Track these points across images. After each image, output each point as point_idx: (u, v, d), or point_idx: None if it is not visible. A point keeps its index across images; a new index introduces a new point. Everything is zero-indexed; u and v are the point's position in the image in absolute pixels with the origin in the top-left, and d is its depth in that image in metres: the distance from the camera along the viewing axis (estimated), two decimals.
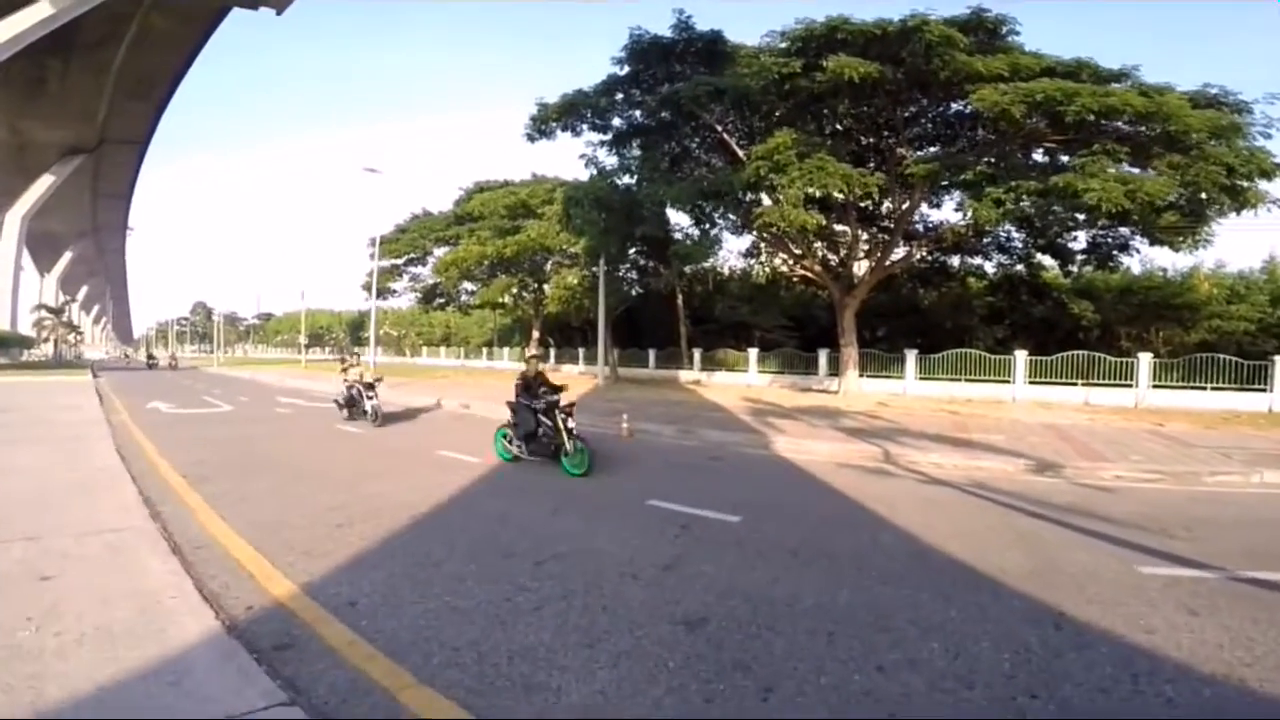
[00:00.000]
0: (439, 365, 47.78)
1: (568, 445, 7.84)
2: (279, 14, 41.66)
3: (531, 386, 8.59)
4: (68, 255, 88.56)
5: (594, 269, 25.55)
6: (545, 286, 33.89)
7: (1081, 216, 18.00)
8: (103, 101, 52.05)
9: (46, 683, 2.79)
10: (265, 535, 5.21)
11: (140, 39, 44.50)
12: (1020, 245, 23.35)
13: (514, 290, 34.31)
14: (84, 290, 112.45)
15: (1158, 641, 3.36)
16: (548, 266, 32.83)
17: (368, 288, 30.35)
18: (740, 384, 24.81)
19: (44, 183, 61.03)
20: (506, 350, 45.25)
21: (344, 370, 14.04)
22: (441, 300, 39.58)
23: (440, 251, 35.54)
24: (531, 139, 21.32)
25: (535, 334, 35.86)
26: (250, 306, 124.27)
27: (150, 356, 56.55)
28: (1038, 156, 17.63)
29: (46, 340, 76.27)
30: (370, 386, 13.05)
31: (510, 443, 8.65)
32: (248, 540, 5.07)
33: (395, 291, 41.28)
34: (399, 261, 38.94)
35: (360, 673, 3.03)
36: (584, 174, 23.40)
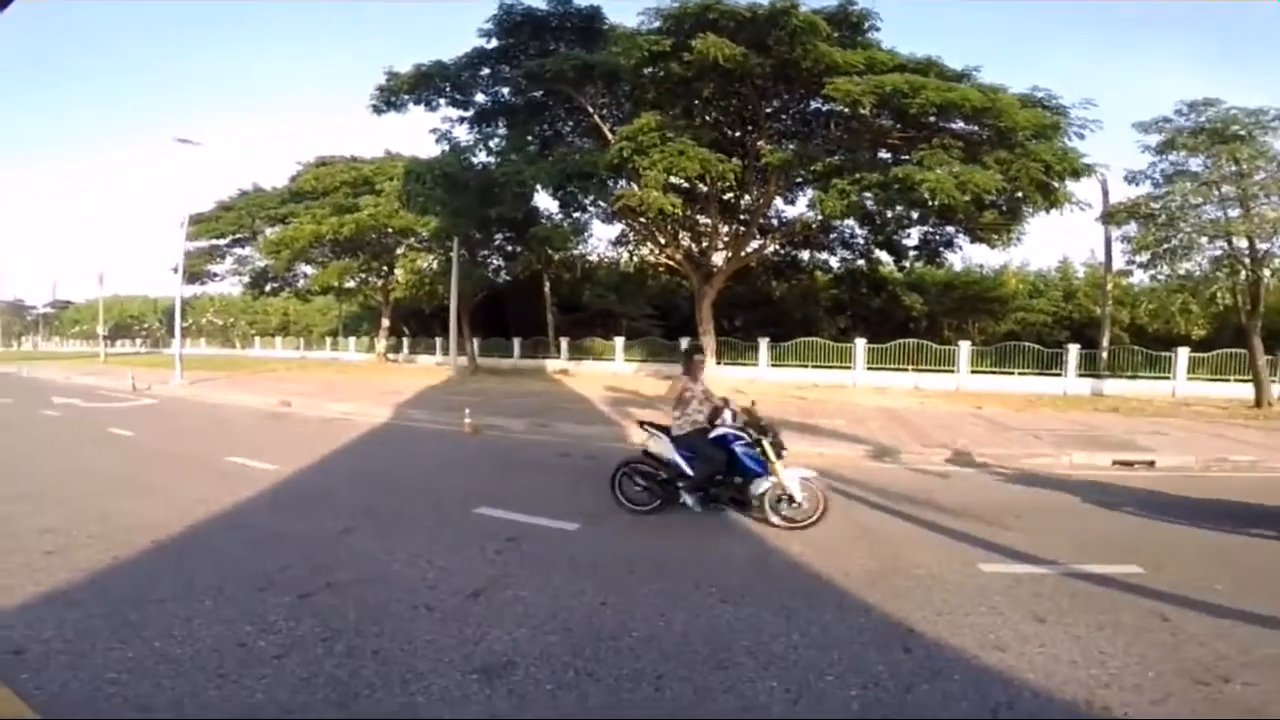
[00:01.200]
0: (272, 357, 42.83)
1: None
2: None
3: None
4: None
5: (448, 253, 23.82)
6: (395, 271, 31.24)
7: (915, 214, 19.32)
8: None
9: None
10: None
11: None
12: (862, 241, 24.90)
13: (359, 274, 31.30)
14: None
15: (1011, 662, 3.06)
16: (398, 250, 30.25)
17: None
18: (608, 373, 24.33)
19: None
20: (353, 341, 41.51)
21: None
22: (275, 285, 35.31)
23: (272, 231, 31.59)
24: (379, 110, 19.32)
25: (385, 322, 33.06)
26: (43, 294, 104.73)
27: None
28: (884, 155, 18.65)
29: None
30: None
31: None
32: None
33: (217, 275, 36.26)
34: (221, 241, 34.18)
35: None
36: (438, 151, 21.54)
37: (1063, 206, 16.43)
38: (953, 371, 20.03)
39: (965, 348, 20.27)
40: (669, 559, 4.37)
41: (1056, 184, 15.84)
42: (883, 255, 25.27)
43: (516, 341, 28.77)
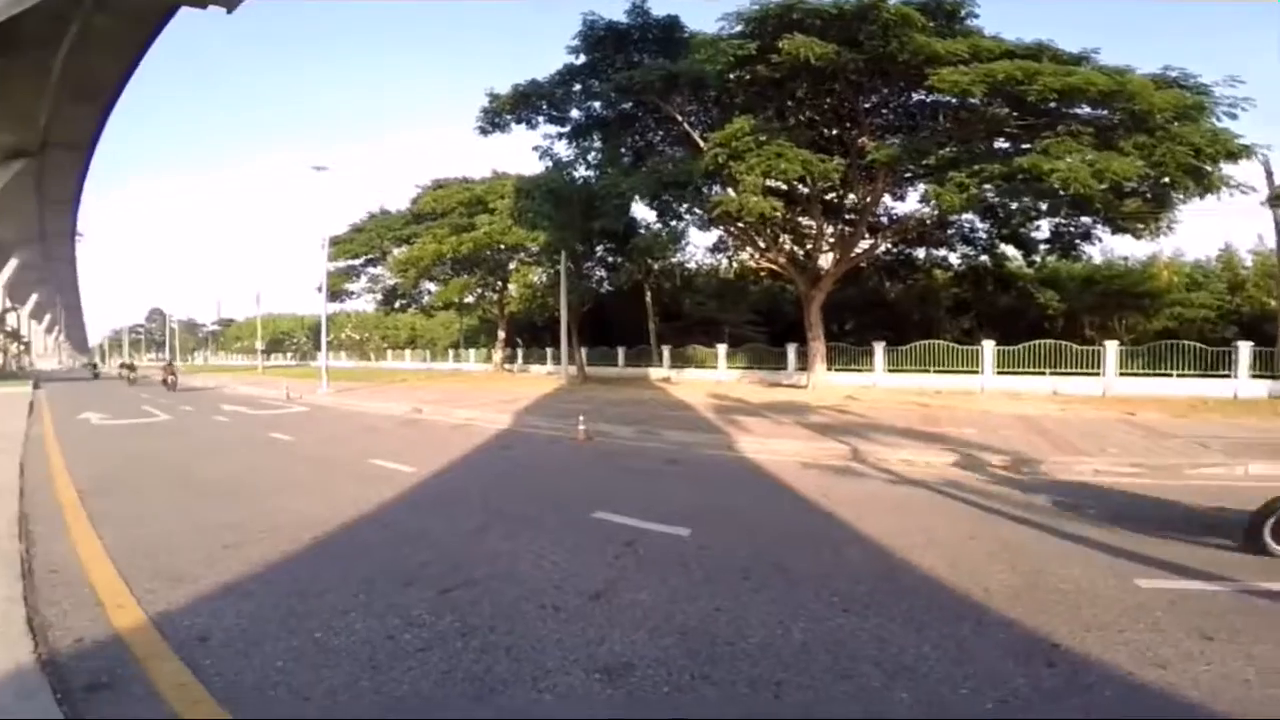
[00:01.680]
0: (402, 369, 46.42)
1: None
2: (229, 12, 39.93)
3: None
4: (13, 262, 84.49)
5: (556, 266, 24.79)
6: (509, 285, 32.93)
7: (1044, 205, 17.85)
8: (44, 104, 49.51)
9: None
10: (138, 558, 4.54)
11: (83, 40, 42.25)
12: (984, 236, 23.30)
13: (476, 290, 33.28)
14: (33, 299, 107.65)
15: (1171, 679, 2.78)
16: (511, 265, 31.90)
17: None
18: (710, 380, 24.29)
19: None
20: (473, 352, 44.12)
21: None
22: (403, 302, 38.36)
23: (398, 251, 34.35)
24: (484, 132, 20.49)
25: (501, 334, 34.92)
26: (209, 313, 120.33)
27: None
28: (1000, 144, 17.41)
29: None
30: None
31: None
32: (115, 563, 4.42)
33: (353, 293, 39.91)
34: (356, 262, 37.59)
35: None
36: (542, 168, 22.53)
37: (1218, 191, 14.62)
38: (1098, 374, 18.21)
39: (1112, 348, 18.36)
40: (786, 567, 4.31)
41: (1209, 168, 14.12)
42: (1009, 250, 23.51)
43: (620, 350, 29.38)
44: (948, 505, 6.16)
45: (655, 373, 27.04)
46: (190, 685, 2.77)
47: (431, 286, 34.82)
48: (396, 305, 39.29)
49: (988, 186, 15.37)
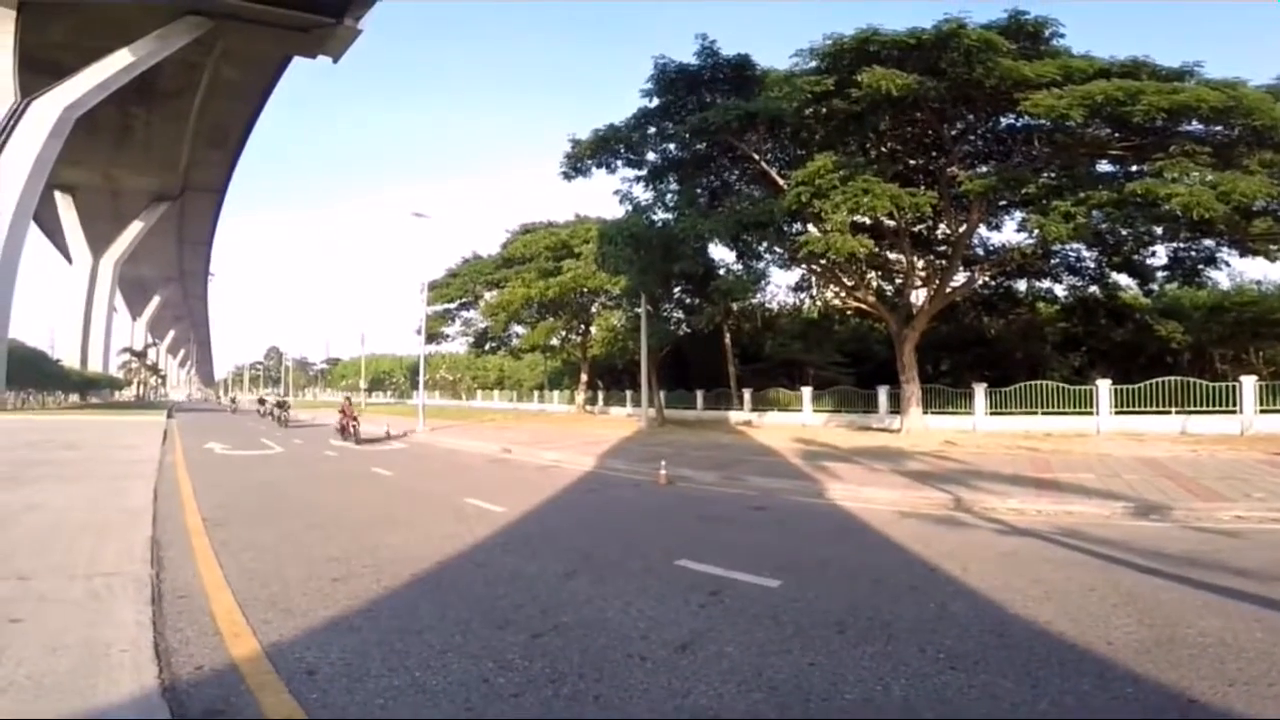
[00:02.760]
0: (491, 408, 48.14)
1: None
2: (335, 61, 44.88)
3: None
4: (156, 300, 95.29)
5: (636, 309, 25.18)
6: (591, 329, 33.72)
7: (1160, 230, 16.55)
8: (183, 149, 56.61)
9: None
10: (255, 587, 4.86)
11: (213, 88, 48.60)
12: (1093, 265, 21.74)
13: (561, 332, 34.28)
14: (171, 334, 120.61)
15: None
16: (593, 308, 32.72)
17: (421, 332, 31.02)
18: (794, 424, 23.68)
19: (134, 229, 65.92)
20: (556, 394, 45.23)
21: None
22: (493, 344, 40.04)
23: (489, 295, 36.05)
24: (568, 177, 21.27)
25: (583, 377, 35.64)
26: (319, 351, 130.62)
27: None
28: (1104, 167, 16.39)
29: (130, 382, 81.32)
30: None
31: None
32: (234, 592, 4.73)
33: (448, 336, 42.06)
34: (451, 306, 39.72)
35: None
36: (622, 212, 23.07)
37: None
38: (1234, 412, 16.42)
39: (1249, 382, 16.53)
40: (886, 621, 4.07)
41: None
42: (1122, 279, 21.81)
43: (699, 393, 29.24)
44: (1065, 555, 5.67)
45: (735, 416, 26.68)
46: (298, 719, 2.90)
47: (519, 329, 36.22)
48: (487, 347, 41.05)
49: (1096, 214, 14.45)
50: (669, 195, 21.36)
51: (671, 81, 19.41)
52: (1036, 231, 15.25)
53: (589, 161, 21.07)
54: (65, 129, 38.55)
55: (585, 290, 30.16)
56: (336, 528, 7.13)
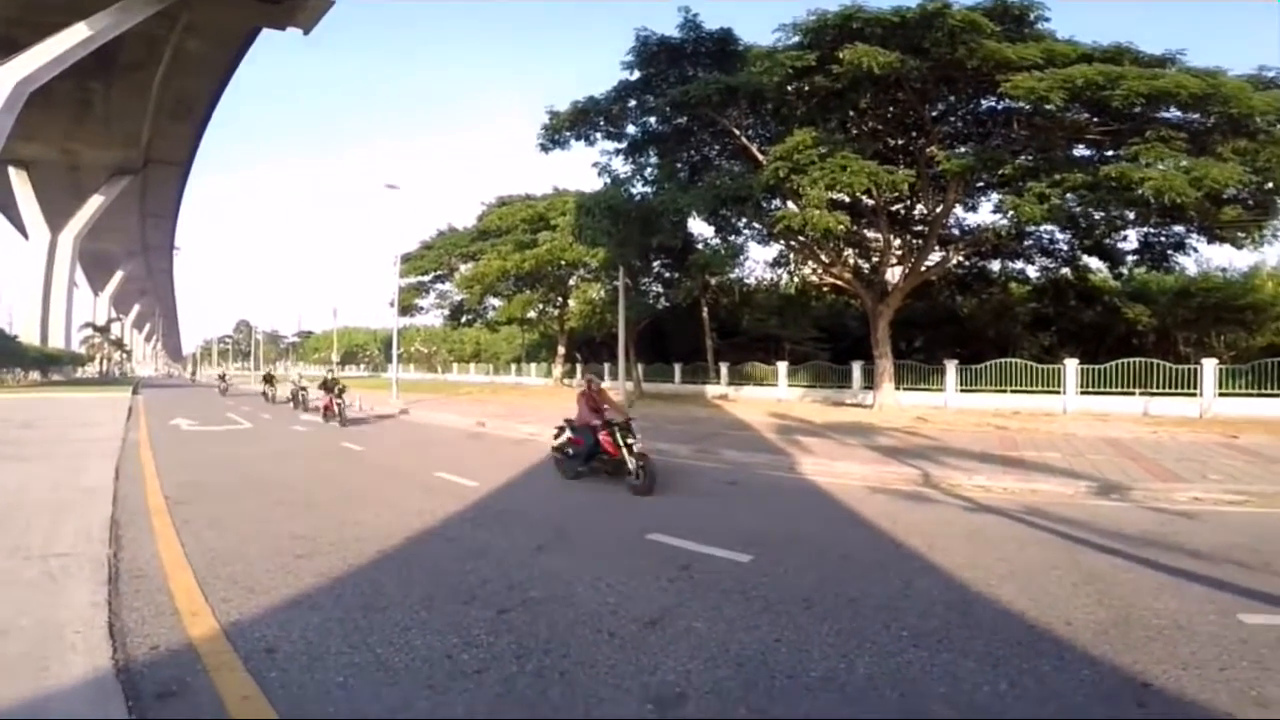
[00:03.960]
0: (467, 381, 47.72)
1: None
2: (306, 34, 43.19)
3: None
4: (119, 274, 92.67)
5: (614, 282, 25.01)
6: (569, 301, 33.45)
7: (1132, 215, 16.80)
8: (145, 123, 54.75)
9: None
10: (216, 565, 4.76)
11: (176, 61, 46.84)
12: (1065, 247, 22.06)
13: (538, 305, 33.95)
14: (135, 309, 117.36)
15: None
16: (571, 281, 32.41)
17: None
18: (769, 399, 23.85)
19: (94, 203, 63.88)
20: (534, 366, 44.96)
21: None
22: (469, 317, 39.57)
23: (465, 267, 35.51)
24: (545, 149, 20.84)
25: (560, 350, 35.45)
26: (291, 324, 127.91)
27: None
28: (1082, 151, 16.51)
29: (94, 358, 79.18)
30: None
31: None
32: (194, 571, 4.64)
33: (422, 309, 41.41)
34: (425, 278, 39.05)
35: None
36: (600, 184, 22.72)
37: None
38: (1194, 394, 16.85)
39: (1210, 365, 16.97)
40: (852, 597, 4.12)
41: None
42: (1093, 261, 22.17)
43: (677, 367, 29.26)
44: (1028, 534, 5.78)
45: (712, 390, 26.78)
46: (254, 698, 2.84)
47: (496, 302, 35.81)
48: (463, 320, 40.56)
49: (1070, 196, 14.57)
50: (648, 169, 21.07)
51: (653, 54, 19.00)
52: (1011, 213, 15.35)
53: (567, 134, 20.62)
54: (18, 104, 36.96)
55: (563, 263, 29.85)
56: (303, 505, 7.01)
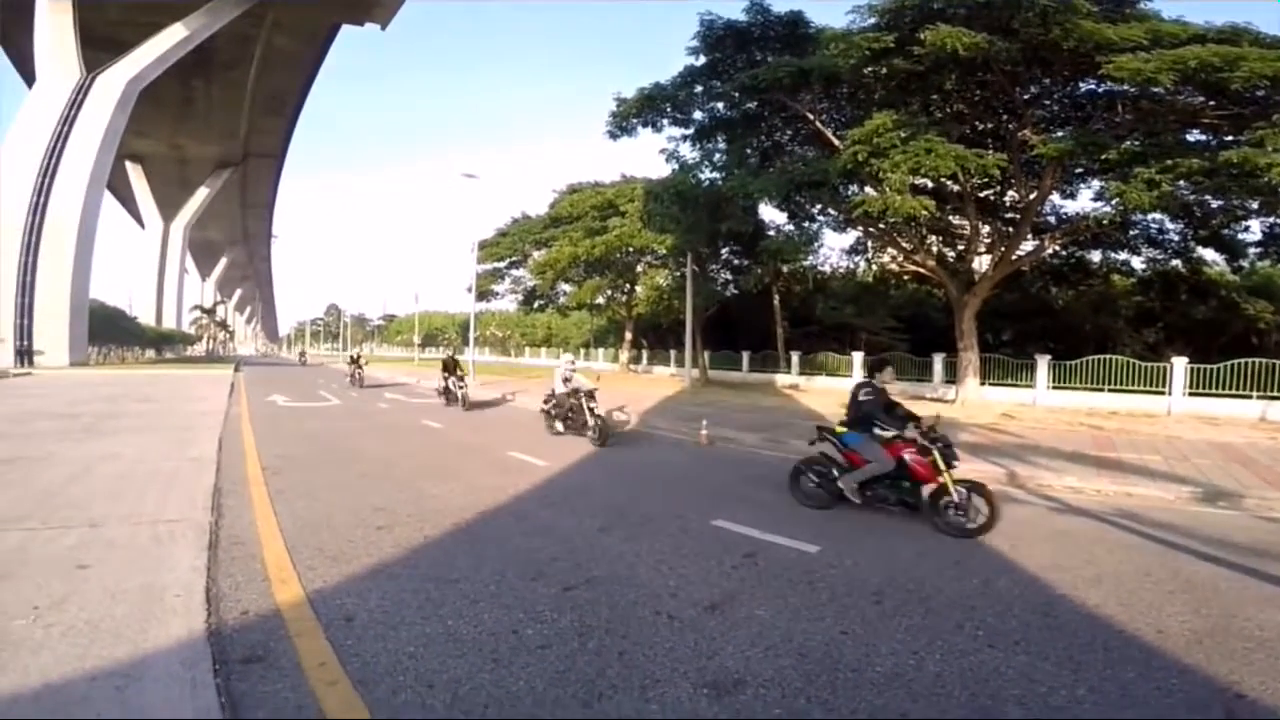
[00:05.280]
0: (539, 365, 48.89)
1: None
2: (383, 29, 45.23)
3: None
4: (223, 261, 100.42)
5: (682, 268, 24.89)
6: (636, 287, 33.58)
7: (1256, 204, 15.23)
8: (242, 118, 59.11)
9: (2, 673, 2.73)
10: (305, 534, 5.07)
11: (266, 58, 50.35)
12: (1176, 237, 20.19)
13: (606, 291, 34.24)
14: (238, 293, 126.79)
15: None
16: (638, 267, 32.51)
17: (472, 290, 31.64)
18: (842, 390, 22.96)
19: (200, 195, 69.56)
20: (601, 351, 45.50)
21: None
22: (541, 302, 40.36)
23: (537, 254, 36.22)
24: (614, 136, 20.82)
25: (628, 335, 35.66)
26: (377, 308, 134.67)
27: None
28: (1196, 135, 15.09)
29: (201, 338, 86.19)
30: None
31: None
32: (285, 538, 4.94)
33: (498, 294, 42.57)
34: (500, 264, 40.09)
35: (313, 699, 2.68)
36: (668, 171, 22.55)
37: None
38: None
39: None
40: (925, 594, 3.98)
41: None
42: (1208, 253, 20.27)
43: (745, 355, 28.84)
44: (1122, 538, 5.42)
45: (782, 379, 26.28)
46: (330, 664, 2.98)
47: (566, 288, 36.39)
48: (535, 305, 41.43)
49: (1183, 183, 13.38)
50: (717, 154, 20.72)
51: (719, 39, 18.61)
52: (1116, 199, 14.18)
53: (635, 120, 20.52)
54: (130, 101, 40.74)
55: (630, 249, 29.96)
56: (385, 478, 7.39)
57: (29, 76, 42.27)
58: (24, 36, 40.99)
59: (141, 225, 72.43)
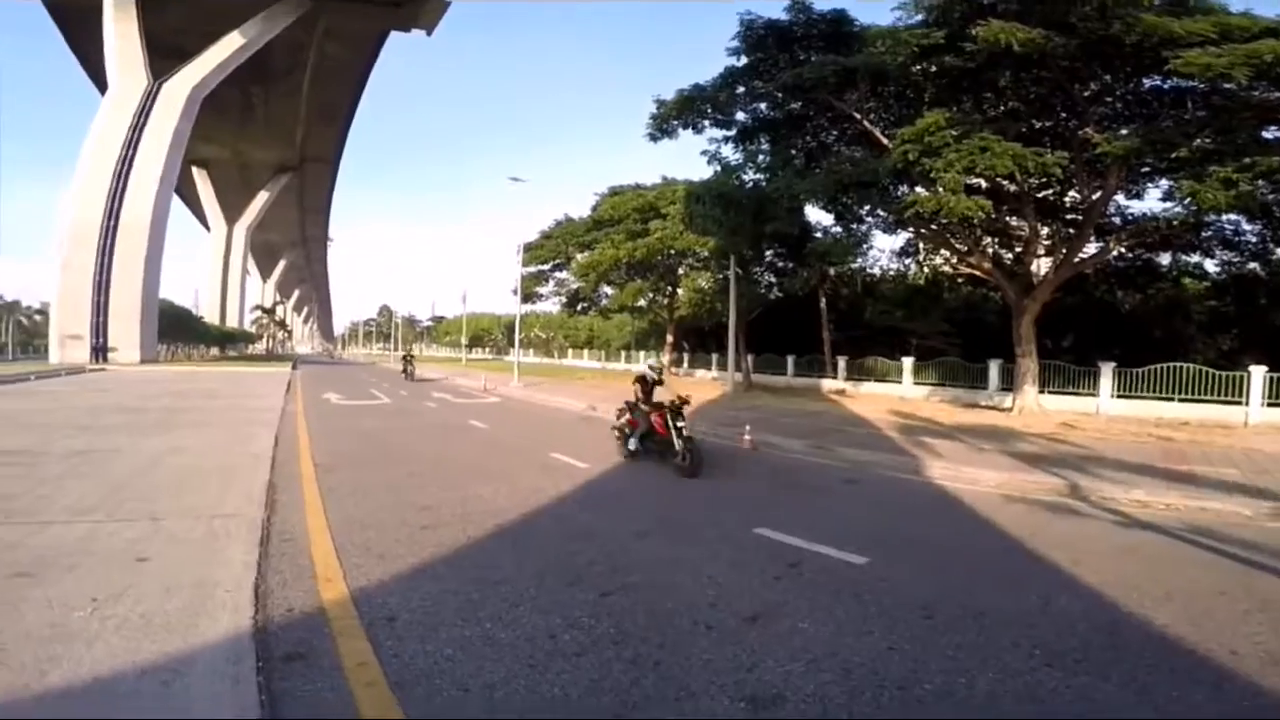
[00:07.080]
0: (581, 367, 49.28)
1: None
2: (429, 34, 47.00)
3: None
4: (282, 263, 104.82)
5: (724, 271, 24.63)
6: (678, 290, 33.44)
7: None
8: (299, 124, 61.91)
9: (57, 666, 2.82)
10: (353, 532, 5.17)
11: (319, 66, 52.83)
12: (1254, 239, 18.95)
13: (648, 294, 34.20)
14: (296, 294, 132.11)
15: None
16: (680, 270, 32.37)
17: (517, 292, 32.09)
18: (892, 395, 22.58)
19: (261, 198, 72.89)
20: (643, 354, 45.49)
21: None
22: (584, 304, 40.60)
23: (580, 256, 36.45)
24: (654, 138, 20.73)
25: (669, 338, 35.52)
26: (425, 310, 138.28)
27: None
28: (1276, 132, 14.14)
29: (261, 337, 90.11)
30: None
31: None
32: (333, 536, 5.04)
33: (542, 296, 43.00)
34: (545, 267, 40.52)
35: (351, 700, 2.70)
36: (710, 173, 22.31)
37: None
38: None
39: None
40: (980, 610, 3.80)
41: None
42: None
43: (790, 359, 28.34)
44: (1193, 554, 5.11)
45: (828, 384, 25.75)
46: (369, 665, 3.00)
47: (609, 290, 36.51)
48: (578, 307, 41.72)
49: (1262, 182, 12.57)
50: (760, 156, 20.40)
51: (760, 38, 18.25)
52: (1189, 199, 13.38)
53: (675, 122, 20.33)
54: (194, 107, 43.22)
55: (672, 251, 29.85)
56: (431, 477, 7.52)
57: (100, 83, 45.05)
58: (91, 44, 43.88)
59: (206, 228, 76.37)
